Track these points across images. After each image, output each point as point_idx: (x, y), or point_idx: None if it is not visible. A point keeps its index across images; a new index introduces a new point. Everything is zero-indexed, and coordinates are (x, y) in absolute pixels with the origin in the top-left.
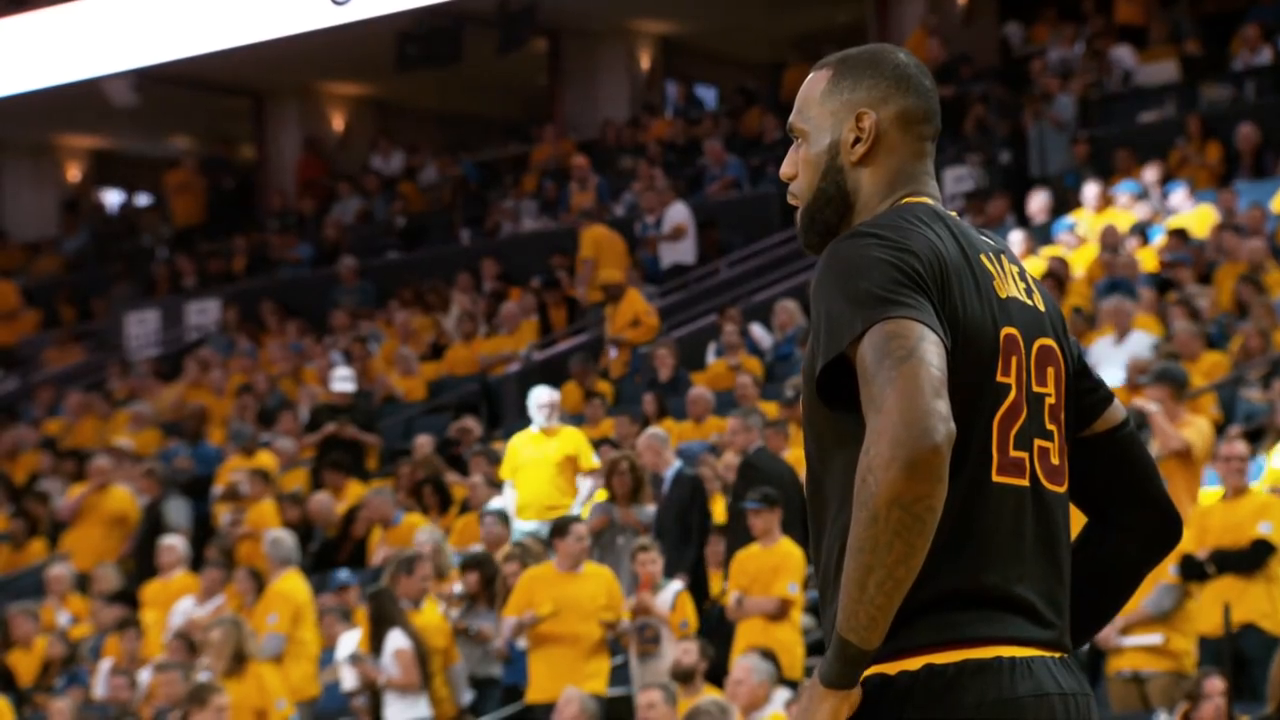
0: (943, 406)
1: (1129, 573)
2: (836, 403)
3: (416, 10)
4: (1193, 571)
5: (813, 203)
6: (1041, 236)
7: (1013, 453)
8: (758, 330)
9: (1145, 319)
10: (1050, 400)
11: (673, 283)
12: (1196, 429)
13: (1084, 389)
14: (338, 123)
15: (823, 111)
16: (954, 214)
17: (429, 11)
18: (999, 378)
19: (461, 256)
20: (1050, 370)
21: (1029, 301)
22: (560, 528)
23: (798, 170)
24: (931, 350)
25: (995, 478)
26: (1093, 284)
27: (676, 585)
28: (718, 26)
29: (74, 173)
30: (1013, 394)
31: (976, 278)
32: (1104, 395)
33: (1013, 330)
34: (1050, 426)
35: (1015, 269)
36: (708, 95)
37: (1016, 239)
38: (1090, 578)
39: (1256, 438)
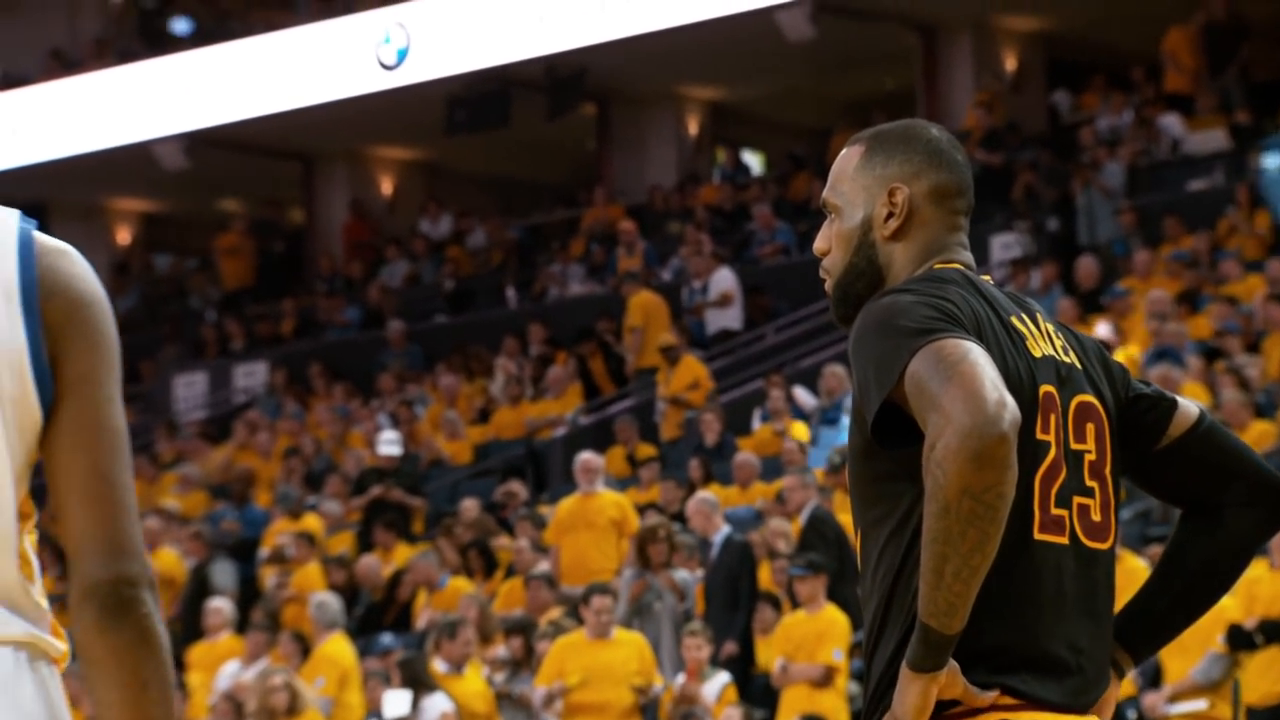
0: (1006, 396)
1: (1239, 549)
2: (893, 445)
3: (465, 75)
4: (1241, 641)
5: (844, 276)
6: (1090, 304)
7: (1054, 510)
8: (803, 395)
9: (1193, 388)
10: (1090, 457)
11: (719, 348)
12: None
13: (1144, 407)
14: (386, 186)
15: (855, 187)
16: (986, 278)
17: (478, 76)
18: (1038, 435)
19: (509, 320)
20: (1090, 427)
21: (1065, 359)
22: (585, 596)
23: (830, 245)
24: (983, 357)
25: (1037, 535)
26: (1141, 352)
27: (724, 678)
28: (766, 93)
29: (124, 235)
30: (1052, 452)
31: (1011, 336)
32: (1167, 404)
33: (1050, 388)
34: (1091, 483)
35: (1050, 327)
36: (753, 162)
37: (1064, 307)
38: (1197, 563)
39: None
